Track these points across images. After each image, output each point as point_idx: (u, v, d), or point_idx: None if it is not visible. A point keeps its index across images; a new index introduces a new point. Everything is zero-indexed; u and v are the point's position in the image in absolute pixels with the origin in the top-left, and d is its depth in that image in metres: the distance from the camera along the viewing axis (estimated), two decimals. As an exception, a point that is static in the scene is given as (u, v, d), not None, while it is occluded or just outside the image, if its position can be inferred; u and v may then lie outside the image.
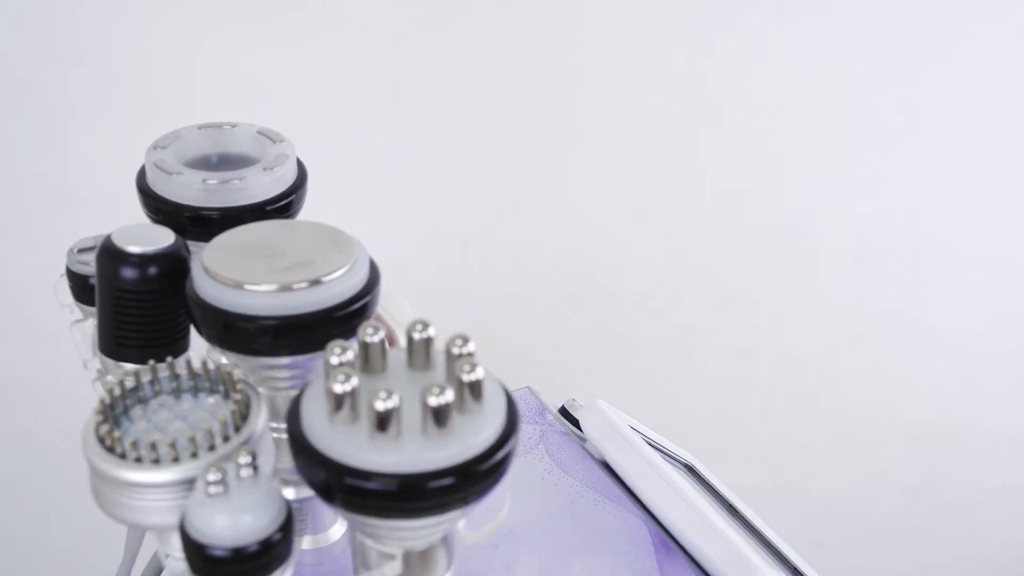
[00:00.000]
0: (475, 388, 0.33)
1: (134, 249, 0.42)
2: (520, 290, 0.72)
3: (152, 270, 0.42)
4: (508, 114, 0.77)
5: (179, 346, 0.45)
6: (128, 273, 0.42)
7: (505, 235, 0.81)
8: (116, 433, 0.35)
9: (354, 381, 0.33)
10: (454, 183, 0.81)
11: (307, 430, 0.33)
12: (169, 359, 0.38)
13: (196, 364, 0.38)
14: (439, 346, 0.36)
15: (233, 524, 0.32)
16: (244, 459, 0.33)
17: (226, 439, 0.35)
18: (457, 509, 0.33)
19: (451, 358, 0.35)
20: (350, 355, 0.35)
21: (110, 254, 0.42)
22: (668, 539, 0.54)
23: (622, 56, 0.73)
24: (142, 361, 0.44)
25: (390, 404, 0.32)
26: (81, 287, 0.48)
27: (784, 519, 0.57)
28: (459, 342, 0.35)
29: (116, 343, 0.43)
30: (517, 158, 0.79)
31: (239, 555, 0.32)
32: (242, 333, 0.41)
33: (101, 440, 0.35)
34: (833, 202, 0.74)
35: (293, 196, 0.51)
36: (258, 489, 0.33)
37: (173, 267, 0.43)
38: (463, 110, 0.78)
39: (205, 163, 0.53)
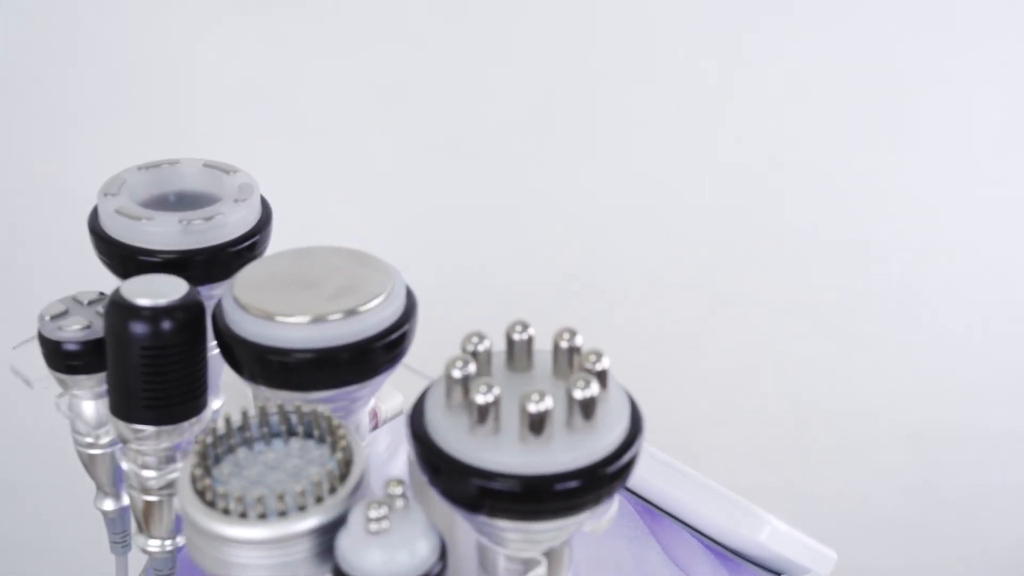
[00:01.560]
0: (588, 405, 0.36)
1: (158, 302, 0.42)
2: (520, 290, 0.74)
3: (178, 320, 0.43)
4: (508, 114, 0.79)
5: (203, 400, 0.45)
6: (160, 327, 0.42)
7: (505, 235, 0.83)
8: (220, 489, 0.34)
9: (494, 395, 0.35)
10: (454, 183, 0.83)
11: (436, 436, 0.36)
12: (262, 404, 0.39)
13: (288, 407, 0.39)
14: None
15: (392, 559, 0.34)
16: (397, 490, 0.33)
17: (332, 490, 0.35)
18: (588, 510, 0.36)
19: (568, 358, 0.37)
20: (472, 368, 0.36)
21: (132, 311, 0.42)
22: (650, 506, 0.56)
23: (622, 56, 0.77)
24: (171, 421, 0.44)
25: (543, 407, 0.35)
26: (56, 354, 0.47)
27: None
28: (592, 358, 0.37)
29: (146, 405, 0.43)
30: (517, 158, 0.81)
31: None
32: (275, 367, 0.42)
33: (200, 493, 0.35)
34: (833, 202, 0.80)
35: (268, 225, 0.53)
36: (416, 521, 0.33)
37: (199, 315, 0.44)
38: (463, 110, 0.81)
39: (163, 204, 0.52)
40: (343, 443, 0.36)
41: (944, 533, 0.89)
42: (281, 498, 0.35)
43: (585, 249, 0.79)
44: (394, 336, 0.43)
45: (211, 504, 0.35)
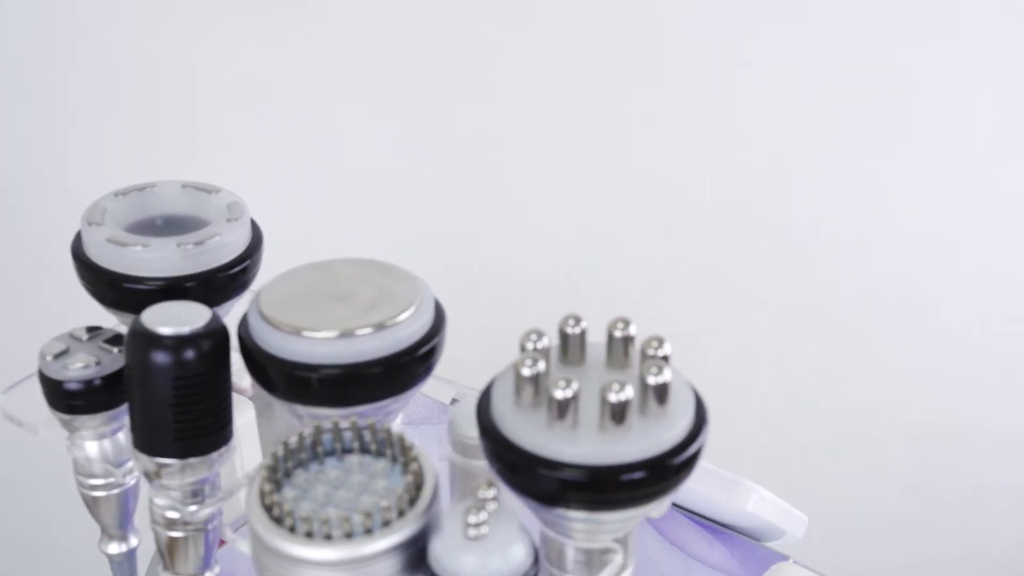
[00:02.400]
0: (661, 391, 0.38)
1: (185, 330, 0.43)
2: (520, 290, 0.75)
3: (208, 347, 0.43)
4: (508, 115, 0.80)
5: (230, 429, 0.46)
6: (190, 355, 0.42)
7: (505, 235, 0.84)
8: (288, 507, 0.36)
9: (572, 390, 0.37)
10: (454, 183, 0.84)
11: (511, 434, 0.37)
12: (335, 420, 0.40)
13: (361, 425, 0.40)
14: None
15: (486, 563, 0.35)
16: (490, 493, 0.34)
17: (401, 513, 0.37)
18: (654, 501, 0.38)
19: (644, 357, 0.39)
20: (542, 365, 0.38)
21: (159, 342, 0.42)
22: None
23: (622, 57, 0.78)
24: (200, 452, 0.44)
25: (624, 396, 0.36)
26: (62, 394, 0.47)
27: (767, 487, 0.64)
28: (655, 344, 0.39)
29: (176, 437, 0.43)
30: (517, 159, 0.82)
31: None
32: (302, 383, 0.43)
33: (268, 508, 0.36)
34: (833, 202, 0.83)
35: (262, 243, 0.53)
36: (511, 526, 0.34)
37: (225, 340, 0.44)
38: (464, 111, 0.81)
39: (150, 229, 0.52)
40: (415, 466, 0.37)
41: (944, 533, 0.92)
42: (347, 520, 0.35)
43: (585, 249, 0.81)
44: (426, 348, 0.44)
45: (279, 521, 0.35)
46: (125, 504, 0.51)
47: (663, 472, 0.38)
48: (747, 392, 0.82)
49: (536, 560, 0.36)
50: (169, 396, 0.42)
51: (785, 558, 0.67)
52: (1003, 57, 0.75)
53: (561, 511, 0.38)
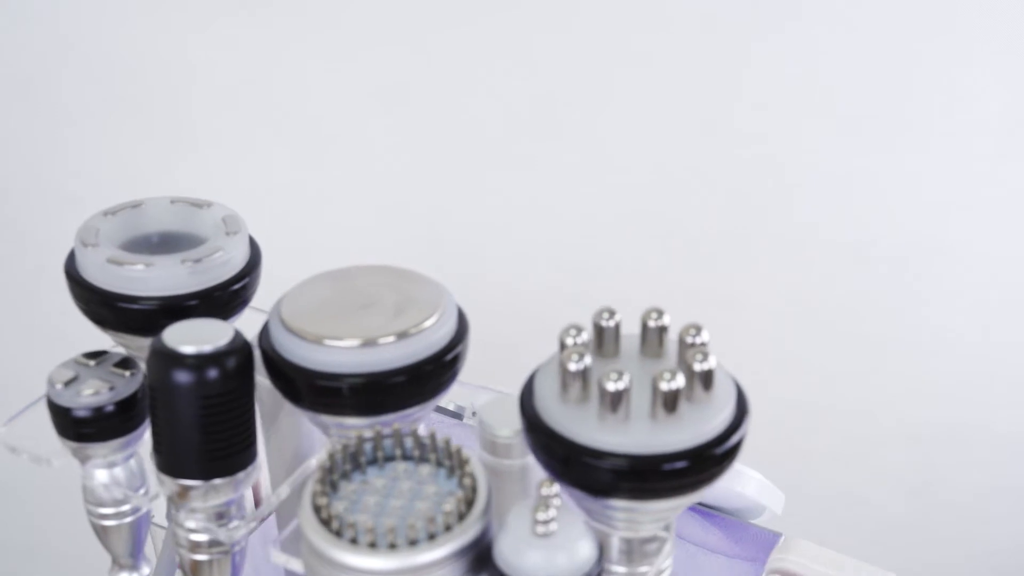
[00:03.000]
0: (707, 377, 0.40)
1: (209, 348, 0.43)
2: (522, 291, 0.75)
3: (236, 364, 0.43)
4: (509, 115, 0.80)
5: (255, 448, 0.46)
6: (219, 373, 0.43)
7: (506, 236, 0.85)
8: (352, 520, 0.36)
9: (624, 382, 0.38)
10: (455, 184, 0.84)
11: (544, 414, 0.39)
12: (396, 425, 0.40)
13: (421, 432, 0.40)
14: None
15: (552, 560, 0.35)
16: (553, 489, 0.35)
17: (461, 516, 0.37)
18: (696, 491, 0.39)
19: (683, 346, 0.41)
20: (588, 359, 0.39)
21: (186, 361, 0.42)
22: None
23: (621, 57, 0.79)
24: (228, 473, 0.44)
25: (620, 385, 0.38)
26: (75, 423, 0.46)
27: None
28: (692, 331, 0.41)
29: (206, 458, 0.43)
30: (518, 160, 0.83)
31: None
32: (324, 392, 0.43)
33: (317, 509, 0.37)
34: (833, 202, 0.84)
35: (260, 256, 0.53)
36: (577, 523, 0.35)
37: (250, 355, 0.44)
38: (465, 111, 0.81)
39: (146, 248, 0.52)
40: (468, 480, 0.38)
41: (946, 535, 0.93)
42: (412, 526, 0.36)
43: (586, 250, 0.82)
44: (451, 356, 0.45)
45: (339, 535, 0.36)
46: (137, 533, 0.51)
47: (713, 459, 0.39)
48: (747, 392, 0.83)
49: (600, 558, 0.36)
50: (193, 416, 0.42)
51: (778, 536, 0.69)
52: (1005, 56, 0.76)
53: (612, 502, 0.39)
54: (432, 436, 0.40)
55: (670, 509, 0.41)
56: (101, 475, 0.48)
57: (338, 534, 0.36)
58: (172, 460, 0.44)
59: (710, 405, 0.40)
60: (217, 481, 0.44)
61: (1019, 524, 0.93)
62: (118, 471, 0.48)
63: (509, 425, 0.47)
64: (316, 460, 0.47)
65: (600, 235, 0.80)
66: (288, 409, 0.53)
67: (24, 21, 0.82)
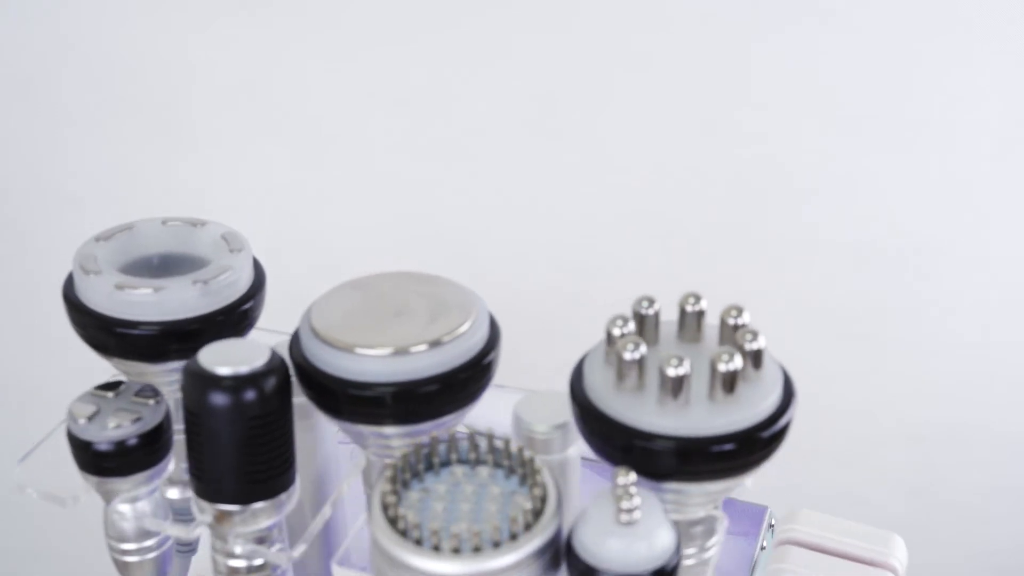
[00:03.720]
0: (757, 356, 0.41)
1: (248, 368, 0.42)
2: (524, 291, 0.75)
3: (279, 381, 0.43)
4: (509, 114, 0.80)
5: (295, 468, 0.45)
6: (264, 392, 0.42)
7: (507, 236, 0.85)
8: (435, 526, 0.36)
9: (685, 367, 0.39)
10: (456, 184, 0.84)
11: (601, 403, 0.40)
12: (466, 427, 0.40)
13: (499, 441, 0.41)
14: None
15: (632, 548, 0.36)
16: (630, 478, 0.35)
17: (538, 515, 0.38)
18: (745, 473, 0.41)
19: (726, 329, 0.41)
20: (644, 348, 0.39)
21: (229, 383, 0.42)
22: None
23: (621, 57, 0.78)
24: (270, 495, 0.43)
25: (681, 371, 0.39)
26: (100, 458, 0.45)
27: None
28: (734, 312, 0.41)
29: (252, 480, 0.43)
30: (519, 160, 0.83)
31: None
32: (354, 401, 0.43)
33: (385, 508, 0.37)
34: (833, 202, 0.84)
35: (265, 275, 0.53)
36: (657, 511, 0.36)
37: (288, 372, 0.44)
38: (466, 111, 0.81)
39: (146, 271, 0.52)
40: (538, 489, 0.38)
41: (945, 535, 0.94)
42: (496, 528, 0.36)
43: (586, 250, 0.82)
44: (483, 363, 0.45)
45: (393, 522, 0.36)
46: (161, 569, 0.50)
47: (773, 438, 0.40)
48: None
49: (679, 547, 0.37)
50: (233, 439, 0.42)
51: (764, 508, 0.70)
52: (1005, 56, 0.77)
53: (666, 485, 0.40)
54: (492, 437, 0.40)
55: (722, 490, 0.42)
56: (126, 509, 0.47)
57: (419, 542, 0.36)
58: (212, 485, 0.43)
59: (762, 383, 0.41)
60: (259, 505, 0.44)
61: (1019, 524, 0.94)
62: (143, 504, 0.48)
63: (546, 421, 0.48)
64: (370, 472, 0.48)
65: (600, 235, 0.80)
66: (304, 425, 0.53)
67: (24, 21, 0.80)
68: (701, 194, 0.79)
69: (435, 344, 0.44)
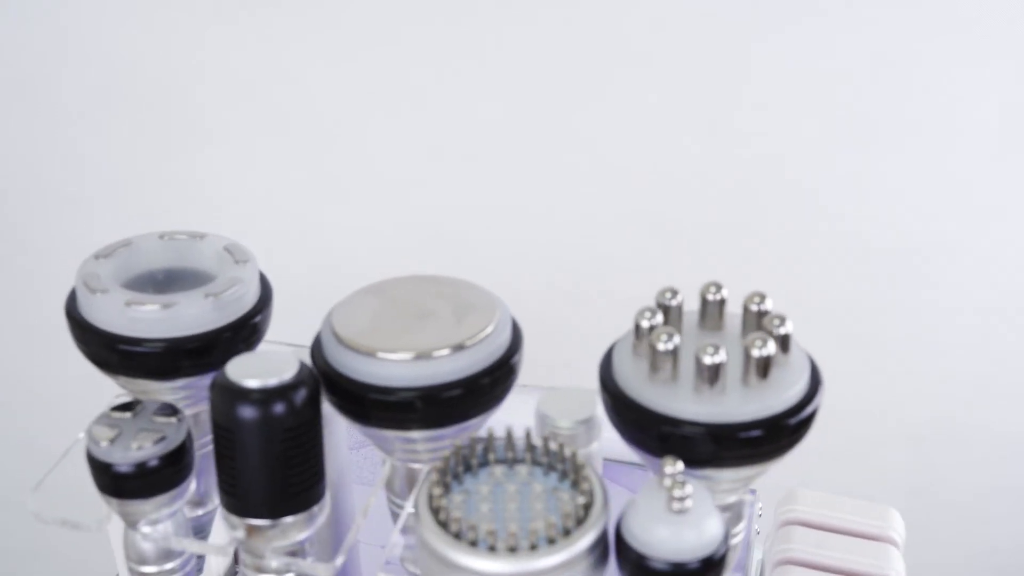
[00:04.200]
0: (785, 340, 0.42)
1: (279, 379, 0.42)
2: (526, 291, 0.75)
3: (311, 391, 0.43)
4: (509, 114, 0.81)
5: (324, 484, 0.45)
6: (299, 402, 0.42)
7: (508, 236, 0.84)
8: (488, 528, 0.37)
9: (721, 355, 0.40)
10: (457, 185, 0.84)
11: (635, 394, 0.41)
12: (508, 427, 0.40)
13: (536, 439, 0.41)
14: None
15: (681, 536, 0.37)
16: (678, 467, 0.36)
17: (588, 509, 0.38)
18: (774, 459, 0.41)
19: (748, 315, 0.42)
20: (677, 339, 0.40)
21: (265, 395, 0.41)
22: None
23: (623, 57, 0.78)
24: (304, 507, 0.43)
25: (717, 359, 0.40)
26: (114, 479, 0.44)
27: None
28: (757, 299, 0.42)
29: (290, 492, 0.43)
30: (520, 160, 0.83)
31: (680, 570, 0.37)
32: (376, 406, 0.43)
33: (434, 511, 0.37)
34: (833, 202, 0.83)
35: (269, 283, 0.53)
36: (707, 500, 0.36)
37: (317, 387, 0.44)
38: (467, 111, 0.80)
39: (149, 286, 0.51)
40: (586, 488, 0.39)
41: (945, 535, 0.95)
42: (534, 531, 0.37)
43: (586, 250, 0.82)
44: (510, 364, 0.45)
45: (443, 523, 0.37)
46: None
47: (797, 425, 0.41)
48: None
49: (727, 538, 0.37)
50: (265, 453, 0.42)
51: (752, 491, 0.71)
52: (1005, 56, 0.77)
53: (706, 472, 0.41)
54: (545, 439, 0.41)
55: (754, 475, 0.43)
56: (150, 531, 0.47)
57: (473, 543, 0.37)
58: (244, 500, 0.43)
59: (791, 367, 0.42)
60: (287, 519, 0.44)
61: (1019, 524, 0.95)
62: (166, 525, 0.47)
63: (569, 416, 0.48)
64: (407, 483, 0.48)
65: (600, 235, 0.80)
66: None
67: (24, 21, 0.79)
68: (701, 194, 0.80)
69: (459, 347, 0.44)
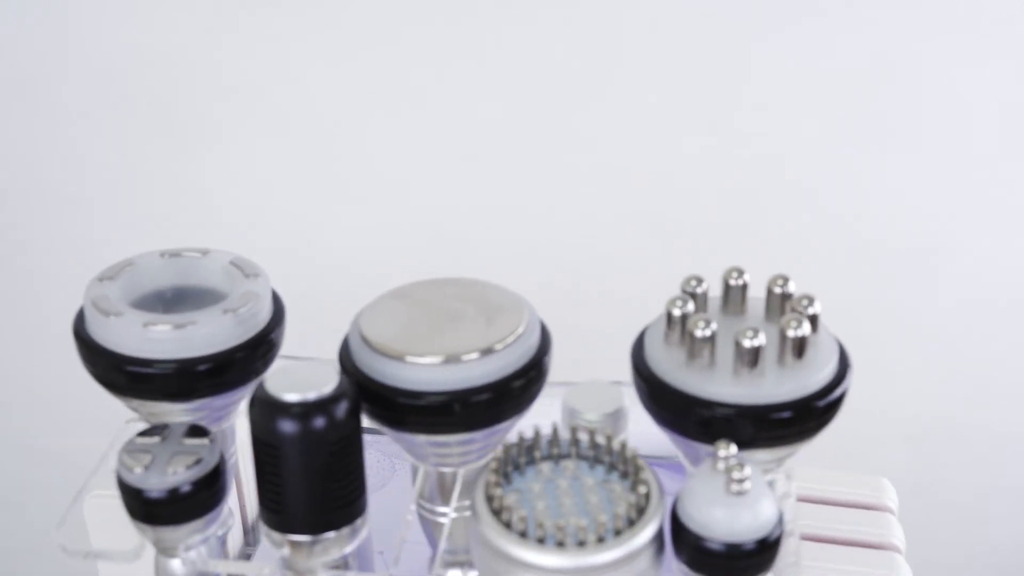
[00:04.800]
0: (814, 320, 0.43)
1: (310, 396, 0.42)
2: (520, 290, 0.76)
3: (353, 401, 0.43)
4: (509, 114, 0.80)
5: (365, 499, 0.45)
6: (342, 413, 0.42)
7: (509, 236, 0.84)
8: (517, 510, 0.38)
9: (761, 338, 0.41)
10: (458, 184, 0.84)
11: (668, 379, 0.42)
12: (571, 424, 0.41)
13: (611, 440, 0.42)
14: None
15: (737, 517, 0.38)
16: (732, 450, 0.37)
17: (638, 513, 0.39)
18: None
19: (772, 298, 0.43)
20: (714, 325, 0.41)
21: (308, 408, 0.41)
22: None
23: (623, 57, 0.79)
24: (350, 520, 0.43)
25: (757, 342, 0.41)
26: (151, 505, 0.43)
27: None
28: (780, 281, 0.43)
29: (331, 507, 0.43)
30: (521, 159, 0.83)
31: (736, 551, 0.38)
32: (405, 410, 0.44)
33: (489, 499, 0.38)
34: (833, 202, 0.85)
35: (279, 296, 0.53)
36: (762, 483, 0.37)
37: (358, 400, 0.44)
38: (468, 111, 0.80)
39: (158, 306, 0.51)
40: (643, 488, 0.39)
41: (945, 535, 0.98)
42: (602, 524, 0.38)
43: (586, 250, 0.83)
44: (539, 367, 0.46)
45: (497, 513, 0.38)
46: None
47: (832, 404, 0.43)
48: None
49: (782, 520, 0.39)
50: (311, 467, 0.42)
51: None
52: (1006, 56, 0.78)
53: (747, 452, 0.42)
54: (591, 432, 0.42)
55: (788, 454, 0.45)
56: (176, 565, 0.47)
57: (541, 540, 0.37)
58: (288, 516, 0.43)
59: (821, 346, 0.43)
60: (328, 535, 0.44)
61: (1019, 524, 0.97)
62: (199, 552, 0.47)
63: (596, 410, 0.50)
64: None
65: (600, 235, 0.81)
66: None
67: (24, 21, 0.77)
68: (701, 194, 0.81)
69: (488, 351, 0.44)
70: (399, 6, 0.74)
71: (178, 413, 0.49)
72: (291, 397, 0.41)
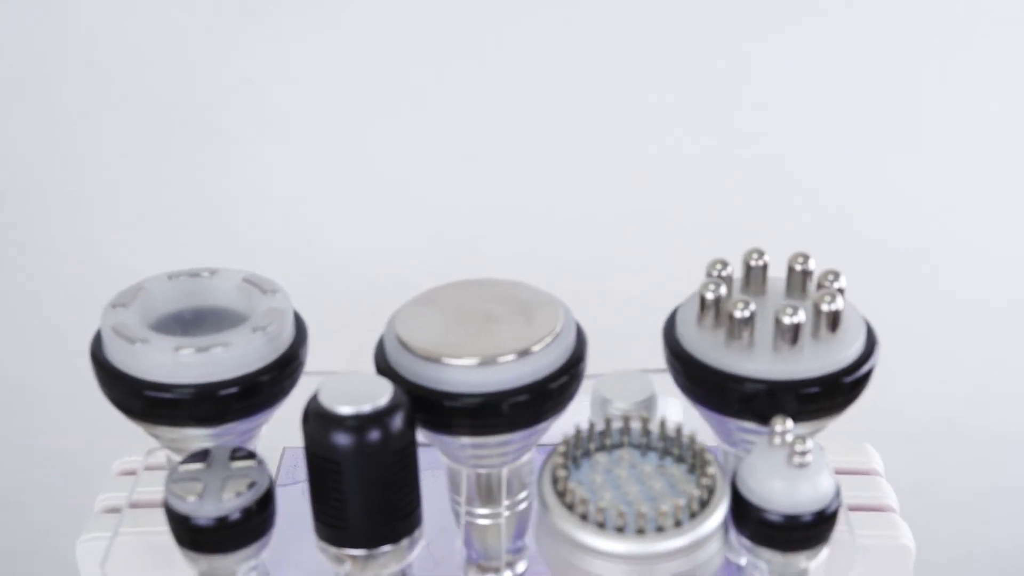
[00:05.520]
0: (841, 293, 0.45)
1: (365, 408, 0.42)
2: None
3: (409, 411, 0.43)
4: (509, 113, 0.80)
5: (420, 512, 0.45)
6: (401, 424, 0.42)
7: (510, 236, 0.84)
8: (583, 495, 0.39)
9: (800, 315, 0.43)
10: (459, 184, 0.83)
11: (708, 360, 0.44)
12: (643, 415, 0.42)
13: (669, 427, 0.43)
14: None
15: (796, 489, 0.41)
16: (788, 424, 0.39)
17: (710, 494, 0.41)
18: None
19: (794, 276, 0.46)
20: (752, 306, 0.43)
21: (369, 420, 0.42)
22: None
23: (623, 57, 0.79)
24: (410, 530, 0.44)
25: (796, 319, 0.43)
26: (207, 534, 0.43)
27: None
28: (801, 259, 0.46)
29: (392, 519, 0.43)
30: (521, 159, 0.82)
31: (794, 522, 0.41)
32: (441, 412, 0.45)
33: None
34: (833, 202, 0.85)
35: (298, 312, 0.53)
36: (821, 457, 0.40)
37: (412, 412, 0.44)
38: (468, 111, 0.80)
39: (178, 327, 0.51)
40: (708, 480, 0.41)
41: (946, 535, 0.99)
42: (680, 508, 0.39)
43: (586, 250, 0.84)
44: (573, 372, 0.46)
45: (561, 494, 0.39)
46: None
47: (864, 377, 0.46)
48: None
49: (839, 494, 0.41)
50: (372, 480, 0.42)
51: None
52: (1006, 55, 0.79)
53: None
54: (644, 420, 0.43)
55: (818, 429, 0.47)
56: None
57: (620, 529, 0.39)
58: (348, 531, 0.43)
59: (849, 320, 0.46)
60: (383, 549, 0.44)
61: (1019, 524, 0.99)
62: (254, 573, 0.47)
63: (628, 398, 0.51)
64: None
65: (600, 235, 0.83)
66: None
67: (24, 21, 0.76)
68: (701, 194, 0.82)
69: (525, 352, 0.45)
70: (399, 6, 0.75)
71: (201, 438, 0.49)
72: (347, 410, 0.41)
